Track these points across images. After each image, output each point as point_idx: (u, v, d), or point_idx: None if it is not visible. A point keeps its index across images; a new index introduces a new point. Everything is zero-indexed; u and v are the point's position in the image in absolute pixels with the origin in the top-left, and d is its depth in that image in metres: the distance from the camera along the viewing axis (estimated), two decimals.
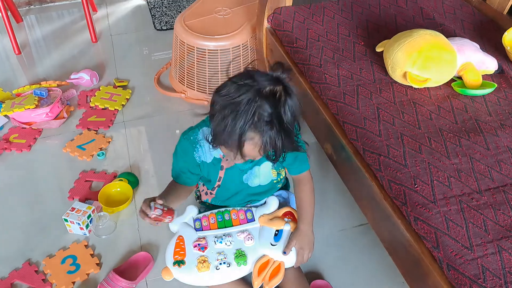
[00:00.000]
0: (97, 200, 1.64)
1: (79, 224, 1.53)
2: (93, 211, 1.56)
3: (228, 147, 1.03)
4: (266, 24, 1.71)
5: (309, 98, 1.41)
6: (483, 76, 1.35)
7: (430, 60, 1.26)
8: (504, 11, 1.62)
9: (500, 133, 1.18)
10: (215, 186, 1.30)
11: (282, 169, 1.34)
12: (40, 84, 2.16)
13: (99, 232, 1.56)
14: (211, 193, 1.34)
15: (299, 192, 1.30)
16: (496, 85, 1.32)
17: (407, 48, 1.28)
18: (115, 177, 1.76)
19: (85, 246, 1.52)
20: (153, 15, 2.75)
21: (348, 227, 1.55)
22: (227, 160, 1.22)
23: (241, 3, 2.07)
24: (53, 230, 1.58)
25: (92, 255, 1.49)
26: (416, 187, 1.04)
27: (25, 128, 1.98)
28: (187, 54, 1.97)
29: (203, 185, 1.35)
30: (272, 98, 0.96)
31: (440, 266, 0.94)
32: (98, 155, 1.85)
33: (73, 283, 1.42)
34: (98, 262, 1.47)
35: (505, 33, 1.41)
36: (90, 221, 1.56)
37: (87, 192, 1.71)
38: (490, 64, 1.36)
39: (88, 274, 1.45)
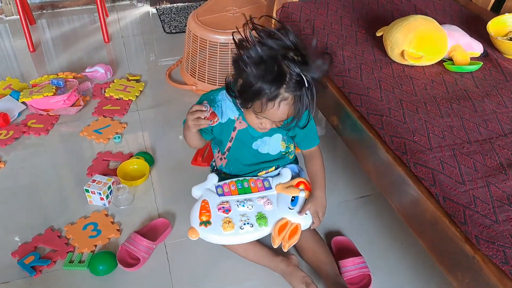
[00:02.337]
0: (116, 176, 1.75)
1: (100, 194, 1.62)
2: (113, 183, 1.67)
3: (255, 109, 1.15)
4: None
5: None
6: (470, 58, 1.52)
7: (424, 39, 1.44)
8: (488, 7, 1.83)
9: (487, 100, 1.35)
10: (226, 148, 1.42)
11: (291, 144, 1.47)
12: (57, 75, 2.30)
13: (118, 203, 1.66)
14: (224, 158, 1.47)
15: (310, 166, 1.43)
16: (482, 63, 1.49)
17: (404, 30, 1.46)
18: (131, 156, 1.87)
19: (105, 215, 1.61)
20: (162, 20, 2.92)
21: (350, 199, 1.69)
22: (240, 122, 1.36)
23: (250, 4, 2.25)
24: (73, 202, 1.67)
25: (112, 222, 1.58)
26: (415, 138, 1.20)
27: (43, 114, 2.09)
28: (199, 48, 2.13)
29: (218, 151, 1.48)
30: (297, 58, 1.10)
31: (437, 199, 1.08)
32: (115, 138, 1.97)
33: (95, 246, 1.49)
34: (118, 228, 1.56)
35: (489, 22, 1.59)
36: (110, 193, 1.66)
37: (105, 169, 1.80)
38: (476, 47, 1.54)
39: (109, 238, 1.52)
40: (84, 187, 1.63)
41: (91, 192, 1.63)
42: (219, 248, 1.45)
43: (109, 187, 1.65)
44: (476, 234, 0.98)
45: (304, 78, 1.10)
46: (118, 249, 1.46)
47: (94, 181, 1.65)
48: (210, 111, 1.23)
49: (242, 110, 1.28)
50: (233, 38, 1.16)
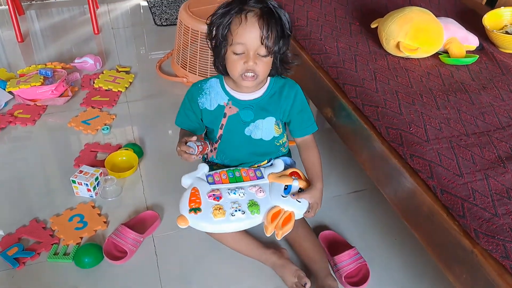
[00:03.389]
0: (104, 167, 1.71)
1: (87, 185, 1.58)
2: (100, 174, 1.62)
3: (230, 41, 1.18)
4: None
5: (310, 69, 1.54)
6: (466, 51, 1.50)
7: (420, 31, 1.41)
8: (483, 1, 1.81)
9: (483, 92, 1.33)
10: (217, 136, 1.38)
11: (285, 134, 1.44)
12: (45, 65, 2.24)
13: (106, 195, 1.62)
14: (215, 149, 1.43)
15: (306, 156, 1.38)
16: (478, 56, 1.47)
17: (400, 21, 1.43)
18: (119, 148, 1.83)
19: (92, 206, 1.57)
20: (153, 12, 2.88)
21: (342, 194, 1.66)
22: (230, 108, 1.33)
23: None
24: (59, 193, 1.63)
25: (99, 214, 1.54)
26: (411, 129, 1.17)
27: (30, 104, 2.05)
28: (190, 40, 2.09)
29: (209, 143, 1.44)
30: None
31: (434, 192, 1.06)
32: (103, 130, 1.92)
33: (81, 238, 1.45)
34: (105, 220, 1.52)
35: (485, 16, 1.58)
36: (97, 184, 1.62)
37: (93, 160, 1.76)
38: (472, 40, 1.52)
39: (95, 230, 1.48)
40: (71, 178, 1.58)
41: (78, 183, 1.59)
42: (208, 242, 1.41)
43: (97, 178, 1.61)
44: (475, 228, 0.95)
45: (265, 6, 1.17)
46: (105, 242, 1.42)
47: (81, 172, 1.61)
48: (198, 151, 1.25)
49: (224, 60, 1.26)
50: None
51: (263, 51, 1.19)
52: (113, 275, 1.35)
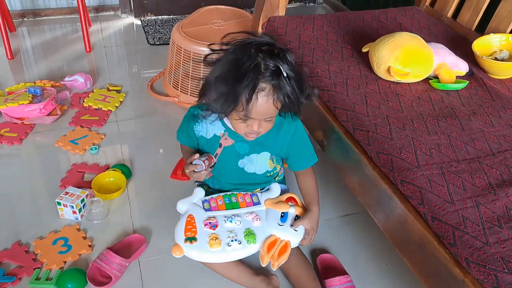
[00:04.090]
0: (90, 189, 1.68)
1: (72, 207, 1.55)
2: (86, 196, 1.59)
3: (237, 110, 1.10)
4: (260, 31, 1.85)
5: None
6: (456, 76, 1.51)
7: (410, 56, 1.42)
8: (472, 28, 1.83)
9: (473, 118, 1.33)
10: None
11: (279, 165, 1.42)
12: (34, 82, 2.22)
13: (91, 217, 1.58)
14: (210, 172, 1.40)
15: (303, 182, 1.37)
16: (468, 82, 1.48)
17: (391, 46, 1.43)
18: (107, 168, 1.80)
19: (77, 229, 1.53)
20: (146, 31, 2.88)
21: (334, 217, 1.64)
22: (226, 139, 1.31)
23: (235, 18, 2.22)
24: (44, 216, 1.59)
25: (84, 238, 1.50)
26: (402, 155, 1.16)
27: (17, 123, 2.02)
28: (183, 60, 2.09)
29: None
30: (272, 52, 1.07)
31: (425, 219, 1.04)
32: (91, 150, 1.90)
33: (65, 262, 1.42)
34: (90, 244, 1.48)
35: (475, 42, 1.59)
36: (83, 206, 1.59)
37: (79, 181, 1.73)
38: (462, 66, 1.52)
39: (80, 255, 1.44)
40: (56, 200, 1.55)
41: (63, 205, 1.55)
42: (196, 267, 1.38)
43: (83, 200, 1.58)
44: (466, 257, 0.93)
45: (281, 67, 1.06)
46: (89, 266, 1.38)
47: (67, 193, 1.58)
48: (205, 165, 1.26)
49: (228, 119, 1.23)
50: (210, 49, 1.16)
51: (269, 117, 1.16)
52: None
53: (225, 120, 1.29)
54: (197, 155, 1.27)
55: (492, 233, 0.97)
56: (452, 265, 0.96)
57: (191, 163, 1.25)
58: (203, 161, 1.25)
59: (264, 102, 1.08)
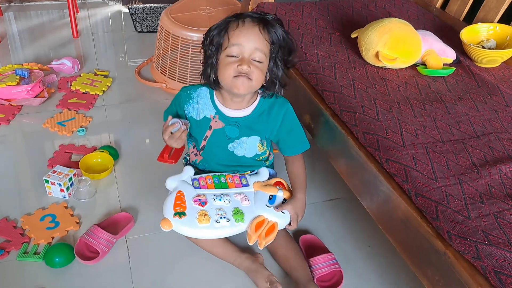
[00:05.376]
0: (78, 168, 1.68)
1: (60, 185, 1.55)
2: (74, 175, 1.59)
3: (227, 43, 1.17)
4: None
5: (290, 76, 1.55)
6: (443, 64, 1.54)
7: (399, 41, 1.45)
8: (460, 18, 1.87)
9: (459, 103, 1.36)
10: (200, 146, 1.38)
11: (268, 150, 1.43)
12: (22, 65, 2.21)
13: (79, 196, 1.59)
14: (200, 155, 1.41)
15: (292, 167, 1.38)
16: (454, 68, 1.51)
17: (379, 31, 1.46)
18: (95, 150, 1.80)
19: (65, 207, 1.53)
20: (134, 19, 2.87)
21: (319, 201, 1.66)
22: (216, 122, 1.32)
23: (225, 5, 2.23)
24: (32, 193, 1.59)
25: (71, 215, 1.51)
26: (388, 135, 1.18)
27: (5, 104, 2.01)
28: (171, 45, 2.09)
29: (194, 147, 1.43)
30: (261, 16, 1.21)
31: (409, 195, 1.07)
32: (78, 131, 1.89)
33: (52, 238, 1.42)
34: (77, 221, 1.49)
35: (463, 30, 1.62)
36: (71, 185, 1.59)
37: (67, 162, 1.73)
38: (449, 53, 1.56)
39: (67, 231, 1.45)
40: (44, 178, 1.55)
41: (51, 183, 1.55)
42: (183, 245, 1.39)
43: (70, 179, 1.58)
44: (448, 230, 0.96)
45: (267, 16, 1.20)
46: (77, 242, 1.39)
47: (54, 171, 1.58)
48: (183, 123, 1.28)
49: (217, 64, 1.23)
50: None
51: (258, 56, 1.18)
52: (84, 275, 1.32)
53: (216, 101, 1.31)
54: (169, 117, 1.28)
55: (474, 208, 1.00)
56: (434, 239, 0.99)
57: (170, 124, 1.26)
58: (180, 121, 1.27)
59: (250, 27, 1.17)
